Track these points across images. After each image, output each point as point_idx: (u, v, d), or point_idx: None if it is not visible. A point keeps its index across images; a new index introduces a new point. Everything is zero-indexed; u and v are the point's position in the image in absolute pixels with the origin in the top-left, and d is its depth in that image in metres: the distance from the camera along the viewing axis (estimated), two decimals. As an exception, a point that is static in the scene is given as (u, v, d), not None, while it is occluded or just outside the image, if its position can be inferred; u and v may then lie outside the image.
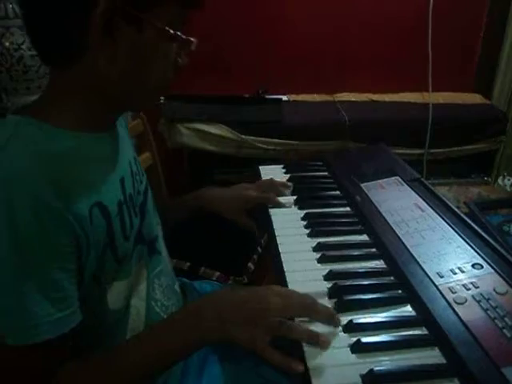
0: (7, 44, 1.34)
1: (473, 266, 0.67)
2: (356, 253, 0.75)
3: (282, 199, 0.92)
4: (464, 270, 0.66)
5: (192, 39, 0.58)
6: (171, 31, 0.55)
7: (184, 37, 0.57)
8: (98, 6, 0.49)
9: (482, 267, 0.66)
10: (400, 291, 0.66)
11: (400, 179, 0.95)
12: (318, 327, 0.58)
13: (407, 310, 0.62)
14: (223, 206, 0.91)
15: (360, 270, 0.70)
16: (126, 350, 0.58)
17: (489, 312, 0.58)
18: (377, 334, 0.58)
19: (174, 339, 0.57)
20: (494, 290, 0.61)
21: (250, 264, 1.23)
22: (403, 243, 0.74)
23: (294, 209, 0.90)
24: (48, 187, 0.49)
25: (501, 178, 1.22)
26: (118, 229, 0.59)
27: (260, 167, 1.10)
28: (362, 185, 0.95)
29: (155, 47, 0.55)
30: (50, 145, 0.53)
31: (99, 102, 0.57)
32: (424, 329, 0.59)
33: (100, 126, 0.60)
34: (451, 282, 0.64)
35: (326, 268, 0.70)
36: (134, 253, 0.63)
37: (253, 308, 0.57)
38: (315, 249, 0.76)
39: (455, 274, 0.65)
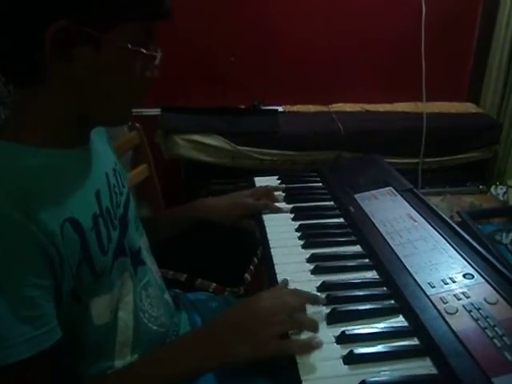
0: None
1: (464, 275, 0.67)
2: (349, 264, 0.75)
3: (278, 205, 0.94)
4: (455, 279, 0.67)
5: (155, 54, 0.57)
6: (132, 48, 0.54)
7: (146, 52, 0.56)
8: (50, 26, 0.49)
9: (473, 277, 0.67)
10: (392, 302, 0.66)
11: (393, 189, 0.96)
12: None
13: (399, 320, 0.63)
14: (221, 215, 0.92)
15: (353, 281, 0.71)
16: (126, 374, 0.59)
17: (479, 322, 0.58)
18: (369, 345, 0.58)
19: (167, 369, 0.58)
20: (485, 299, 0.62)
21: (246, 275, 1.23)
22: (396, 254, 0.75)
23: (289, 220, 0.91)
24: (13, 205, 0.48)
25: (493, 187, 1.23)
26: (94, 243, 0.58)
27: (255, 178, 1.11)
28: (355, 195, 0.96)
29: (117, 64, 0.55)
30: (14, 163, 0.52)
31: (67, 120, 0.57)
32: (416, 339, 0.59)
33: (71, 142, 0.59)
34: (442, 292, 0.64)
35: (320, 279, 0.71)
36: (113, 266, 0.62)
37: (245, 318, 0.59)
38: (309, 260, 0.77)
39: (446, 284, 0.66)
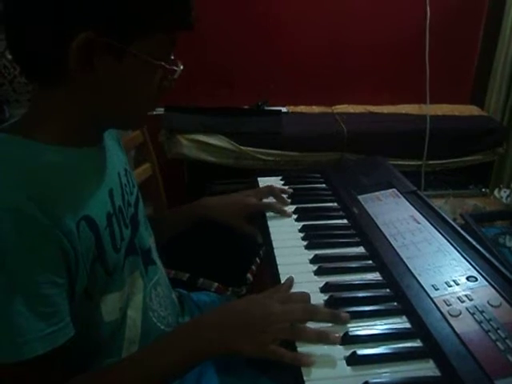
0: (10, 57, 1.37)
1: (467, 278, 0.67)
2: (352, 265, 0.75)
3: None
4: (459, 282, 0.67)
5: (176, 68, 0.58)
6: (154, 61, 0.55)
7: (167, 66, 0.57)
8: (76, 37, 0.50)
9: (477, 280, 0.67)
10: (395, 303, 0.66)
11: (397, 191, 0.96)
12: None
13: (402, 322, 0.63)
14: (224, 213, 0.92)
15: (356, 283, 0.71)
16: (128, 363, 0.59)
17: (482, 325, 0.58)
18: (372, 347, 0.58)
19: (173, 352, 0.58)
20: (488, 302, 0.62)
21: (248, 275, 1.23)
22: (399, 255, 0.75)
23: (292, 221, 0.91)
24: (30, 202, 0.49)
25: (497, 189, 1.23)
26: (108, 241, 0.59)
27: (259, 178, 1.11)
28: (359, 197, 0.96)
29: (137, 75, 0.56)
30: (32, 160, 0.53)
31: (83, 120, 0.58)
32: (419, 341, 0.59)
33: (86, 141, 0.60)
34: (446, 295, 0.64)
35: (323, 280, 0.71)
36: (125, 264, 0.63)
37: (255, 316, 0.59)
38: (312, 261, 0.77)
39: (450, 286, 0.66)
